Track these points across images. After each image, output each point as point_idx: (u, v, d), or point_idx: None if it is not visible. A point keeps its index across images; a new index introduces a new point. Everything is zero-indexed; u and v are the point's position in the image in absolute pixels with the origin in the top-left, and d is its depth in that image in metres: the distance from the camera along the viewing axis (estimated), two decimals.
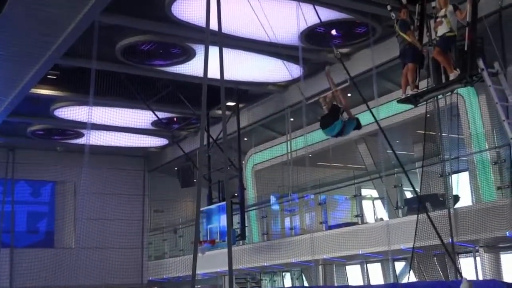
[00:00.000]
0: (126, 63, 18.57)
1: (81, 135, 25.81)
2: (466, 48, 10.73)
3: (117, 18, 15.58)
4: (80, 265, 25.79)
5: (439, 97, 13.80)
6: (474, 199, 15.98)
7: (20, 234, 27.59)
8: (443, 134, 16.11)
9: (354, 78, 19.09)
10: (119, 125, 24.42)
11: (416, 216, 15.21)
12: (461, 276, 13.70)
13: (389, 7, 12.09)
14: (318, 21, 16.02)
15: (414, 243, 15.11)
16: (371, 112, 12.99)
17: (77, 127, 24.94)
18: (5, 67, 17.28)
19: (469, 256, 16.22)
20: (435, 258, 17.18)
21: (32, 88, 19.46)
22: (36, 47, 15.94)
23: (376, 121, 13.00)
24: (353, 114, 11.36)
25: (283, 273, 24.44)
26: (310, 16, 15.74)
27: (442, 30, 10.97)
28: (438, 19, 11.02)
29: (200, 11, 14.03)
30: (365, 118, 19.37)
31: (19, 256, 26.64)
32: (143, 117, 23.67)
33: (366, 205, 20.47)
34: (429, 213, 15.38)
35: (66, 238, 28.36)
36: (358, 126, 11.32)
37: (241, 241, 21.19)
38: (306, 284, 22.96)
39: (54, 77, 19.83)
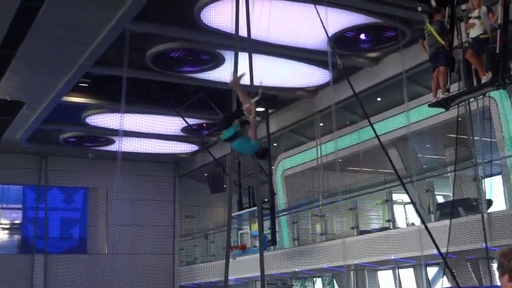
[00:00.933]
0: (156, 71, 18.72)
1: (112, 142, 26.06)
2: (498, 51, 10.61)
3: (147, 26, 15.73)
4: (113, 271, 25.99)
5: (470, 100, 13.66)
6: (508, 203, 15.77)
7: (54, 240, 27.91)
8: (475, 137, 15.94)
9: (384, 83, 19.11)
10: (149, 131, 24.63)
11: (449, 221, 15.06)
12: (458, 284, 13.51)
13: (420, 8, 12.01)
14: (347, 25, 16.03)
15: (447, 248, 14.96)
16: (372, 128, 12.76)
17: (108, 134, 25.19)
18: (38, 75, 17.56)
19: None
20: (468, 263, 16.99)
21: (64, 96, 19.75)
22: (68, 56, 16.19)
23: (377, 136, 12.82)
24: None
25: (314, 279, 24.36)
26: (339, 20, 15.74)
27: (475, 32, 10.85)
28: (471, 20, 10.91)
29: (230, 18, 14.10)
30: (395, 122, 19.36)
31: (53, 262, 26.93)
32: (173, 124, 23.83)
33: (398, 210, 20.31)
34: (458, 219, 15.24)
35: (99, 244, 28.61)
36: (263, 154, 9.97)
37: (272, 247, 21.17)
38: None
39: (86, 85, 20.09)
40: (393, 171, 19.35)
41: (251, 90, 9.49)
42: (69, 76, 17.71)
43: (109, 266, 26.27)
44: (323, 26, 11.97)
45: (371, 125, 12.88)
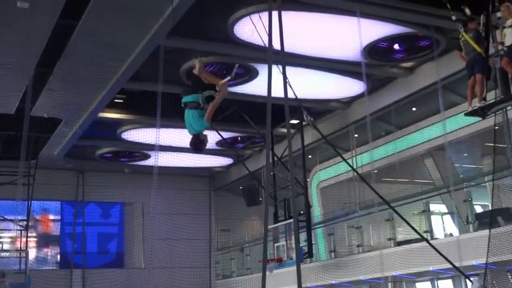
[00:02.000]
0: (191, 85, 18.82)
1: (147, 156, 26.27)
2: None
3: (181, 41, 15.87)
4: (150, 285, 26.12)
5: (508, 108, 13.48)
6: None
7: (91, 255, 28.17)
8: None
9: (419, 92, 18.97)
10: (184, 146, 24.74)
11: (488, 231, 14.82)
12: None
13: (454, 17, 11.93)
14: (380, 36, 15.97)
15: (487, 258, 14.72)
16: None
17: (144, 149, 25.40)
18: (74, 92, 17.84)
19: None
20: (509, 274, 16.68)
21: (100, 112, 20.00)
22: (104, 72, 16.44)
23: (354, 169, 12.71)
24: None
25: None
26: (372, 31, 15.69)
27: (510, 40, 10.77)
28: (505, 29, 10.84)
29: (263, 31, 14.16)
30: (432, 131, 19.18)
31: (91, 276, 27.18)
32: (208, 137, 23.90)
33: (435, 220, 20.06)
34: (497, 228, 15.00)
35: (136, 258, 28.79)
36: (201, 142, 9.85)
37: (308, 259, 21.07)
38: None
39: (121, 101, 20.32)
40: (430, 181, 19.17)
41: (285, 103, 9.45)
42: (104, 92, 17.97)
43: (146, 280, 26.39)
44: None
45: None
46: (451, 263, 12.01)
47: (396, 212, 14.62)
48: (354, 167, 21.55)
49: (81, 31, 13.96)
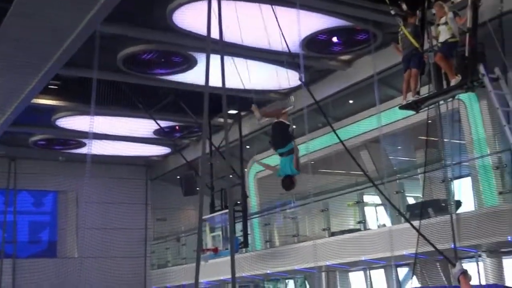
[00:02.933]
0: (128, 73, 18.61)
1: (82, 144, 25.83)
2: (467, 54, 10.78)
3: (118, 28, 15.63)
4: (83, 275, 25.75)
5: (440, 103, 13.82)
6: (476, 204, 15.96)
7: (23, 244, 27.57)
8: (444, 139, 16.11)
9: (356, 85, 19.23)
10: (121, 134, 24.45)
11: (418, 221, 15.18)
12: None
13: (393, 12, 12.15)
14: (319, 28, 16.10)
15: (416, 249, 15.10)
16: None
17: (79, 137, 24.96)
18: (7, 77, 17.31)
19: (472, 261, 16.20)
20: (438, 264, 17.17)
21: (33, 98, 19.51)
22: (38, 57, 15.98)
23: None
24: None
25: (286, 280, 24.39)
26: (311, 23, 15.80)
27: (444, 36, 11.05)
28: (439, 26, 11.13)
29: (201, 20, 14.07)
30: (367, 124, 19.49)
31: (21, 266, 26.62)
32: (145, 126, 23.69)
33: (369, 211, 20.43)
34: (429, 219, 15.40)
35: (69, 248, 28.34)
36: (288, 185, 11.02)
37: (244, 249, 21.16)
38: None
39: (56, 87, 19.86)
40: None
41: (222, 92, 9.42)
42: (38, 78, 17.48)
43: (78, 270, 26.00)
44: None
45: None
46: (437, 249, 12.11)
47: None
48: None
49: (14, 13, 13.56)
